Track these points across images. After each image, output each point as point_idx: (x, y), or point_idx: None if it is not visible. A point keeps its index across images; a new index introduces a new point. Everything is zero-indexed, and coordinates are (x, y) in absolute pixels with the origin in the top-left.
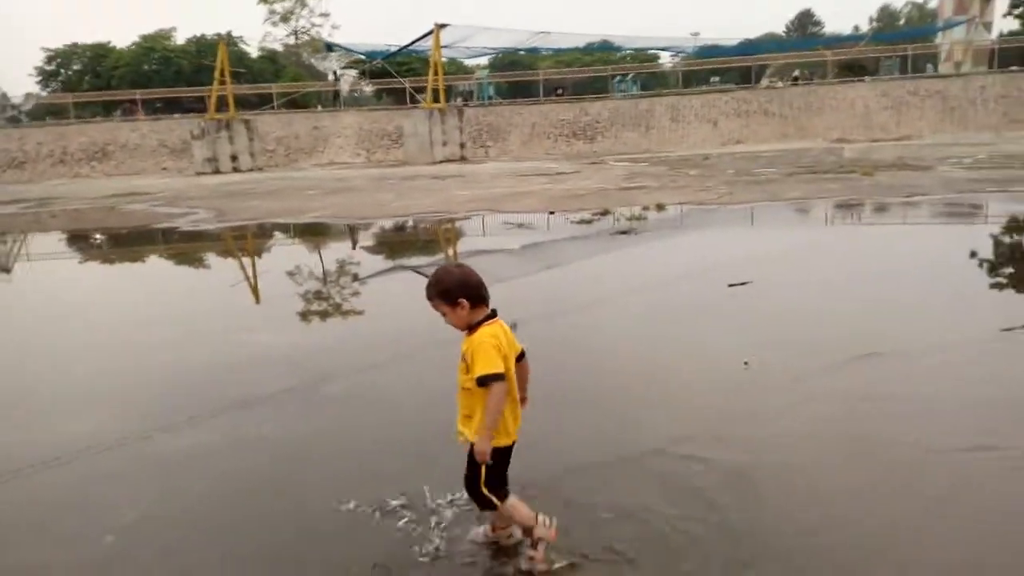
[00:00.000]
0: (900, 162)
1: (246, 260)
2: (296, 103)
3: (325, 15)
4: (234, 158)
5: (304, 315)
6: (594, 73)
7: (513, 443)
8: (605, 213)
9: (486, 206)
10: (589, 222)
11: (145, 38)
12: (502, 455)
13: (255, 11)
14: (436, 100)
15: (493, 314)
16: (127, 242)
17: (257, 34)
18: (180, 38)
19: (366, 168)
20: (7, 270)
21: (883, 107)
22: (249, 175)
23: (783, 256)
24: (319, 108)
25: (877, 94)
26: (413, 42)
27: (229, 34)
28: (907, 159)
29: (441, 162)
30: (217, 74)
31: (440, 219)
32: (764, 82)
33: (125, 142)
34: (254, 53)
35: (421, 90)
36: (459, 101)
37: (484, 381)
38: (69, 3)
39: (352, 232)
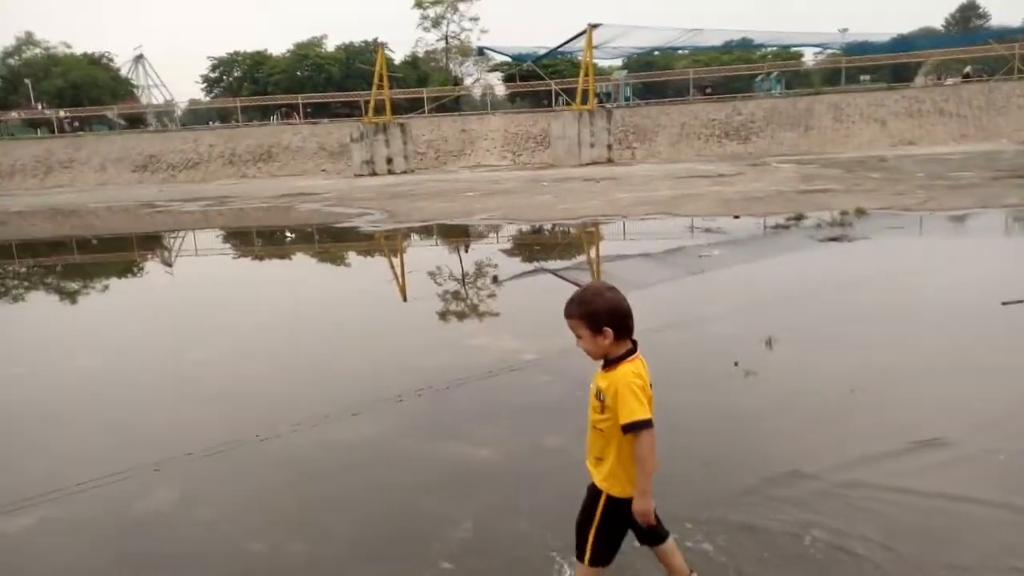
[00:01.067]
0: None
1: (460, 257)
2: (445, 107)
3: (475, 19)
4: (389, 160)
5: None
6: (738, 71)
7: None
8: (799, 217)
9: (658, 209)
10: (786, 227)
11: (299, 46)
12: (627, 507)
13: (400, 18)
14: (584, 101)
15: (634, 348)
16: (330, 239)
17: (401, 39)
18: (330, 45)
19: (513, 170)
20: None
21: None
22: (404, 177)
23: None
24: (459, 112)
25: None
26: (565, 43)
27: (375, 41)
28: None
29: (588, 164)
30: (376, 79)
31: (617, 222)
32: (919, 80)
33: (288, 144)
34: (398, 59)
35: (570, 92)
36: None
37: (632, 428)
38: (233, 15)
39: (550, 233)
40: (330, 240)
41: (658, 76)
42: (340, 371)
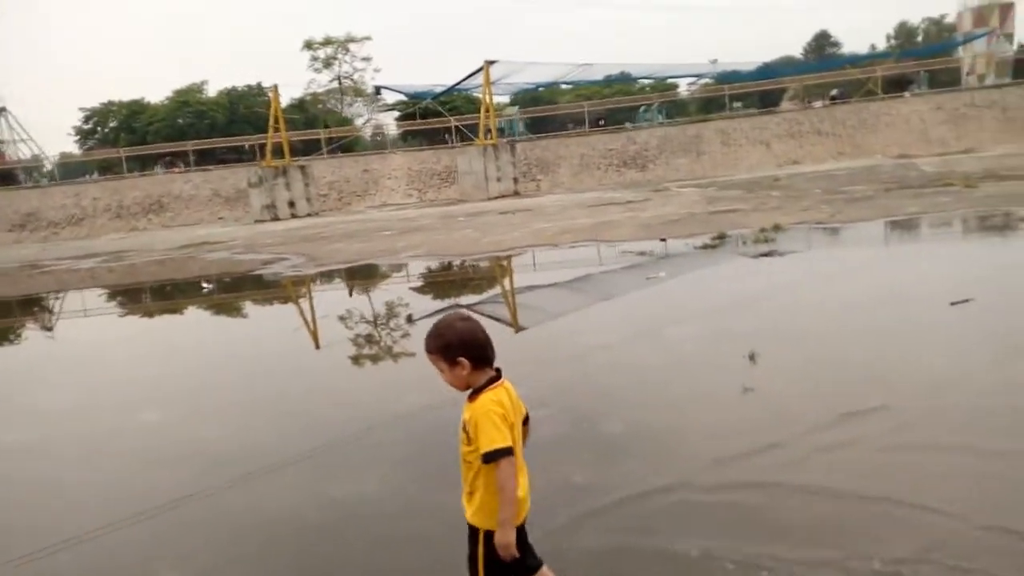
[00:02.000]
0: (991, 173)
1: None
2: (344, 148)
3: (367, 59)
4: (291, 204)
5: None
6: (621, 103)
7: (524, 519)
8: (722, 236)
9: (583, 236)
10: (713, 246)
11: (178, 92)
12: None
13: (283, 60)
14: (487, 136)
15: (498, 375)
16: (248, 288)
17: (286, 81)
18: (212, 90)
19: (422, 207)
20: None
21: (940, 121)
22: (309, 220)
23: (991, 274)
24: (359, 152)
25: (932, 108)
26: (463, 80)
27: (259, 84)
28: (997, 170)
29: (497, 197)
30: (272, 121)
31: (548, 250)
32: (785, 105)
33: (179, 194)
34: (284, 102)
35: (469, 128)
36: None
37: (491, 457)
38: (104, 63)
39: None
40: (250, 288)
41: (553, 110)
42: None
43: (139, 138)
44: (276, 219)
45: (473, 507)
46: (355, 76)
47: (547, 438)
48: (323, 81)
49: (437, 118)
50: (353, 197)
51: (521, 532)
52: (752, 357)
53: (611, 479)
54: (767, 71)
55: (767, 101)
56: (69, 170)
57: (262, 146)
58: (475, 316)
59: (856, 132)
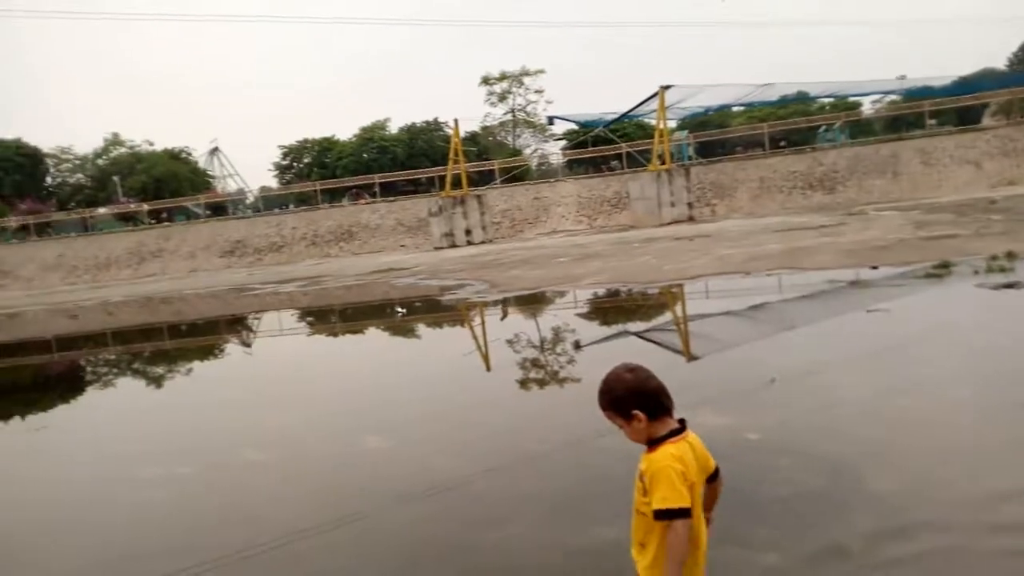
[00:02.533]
0: None
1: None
2: (515, 177)
3: (540, 92)
4: (468, 232)
5: None
6: (799, 124)
7: None
8: (946, 265)
9: (777, 263)
10: (938, 275)
11: (364, 129)
12: None
13: (456, 96)
14: (661, 161)
15: (681, 427)
16: (438, 311)
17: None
18: (393, 127)
19: (592, 234)
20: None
21: None
22: (484, 247)
23: None
24: (531, 181)
25: None
26: (637, 106)
27: (435, 120)
28: None
29: (670, 223)
30: (451, 154)
31: (742, 278)
32: (986, 121)
33: (367, 223)
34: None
35: (639, 153)
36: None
37: (664, 515)
38: (302, 106)
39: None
40: (442, 312)
41: (730, 132)
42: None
43: (329, 172)
44: (454, 246)
45: (646, 561)
46: (527, 108)
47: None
48: (497, 114)
49: (607, 145)
50: (524, 224)
51: None
52: None
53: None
54: (965, 86)
55: (966, 118)
56: (269, 202)
57: (440, 177)
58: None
59: None
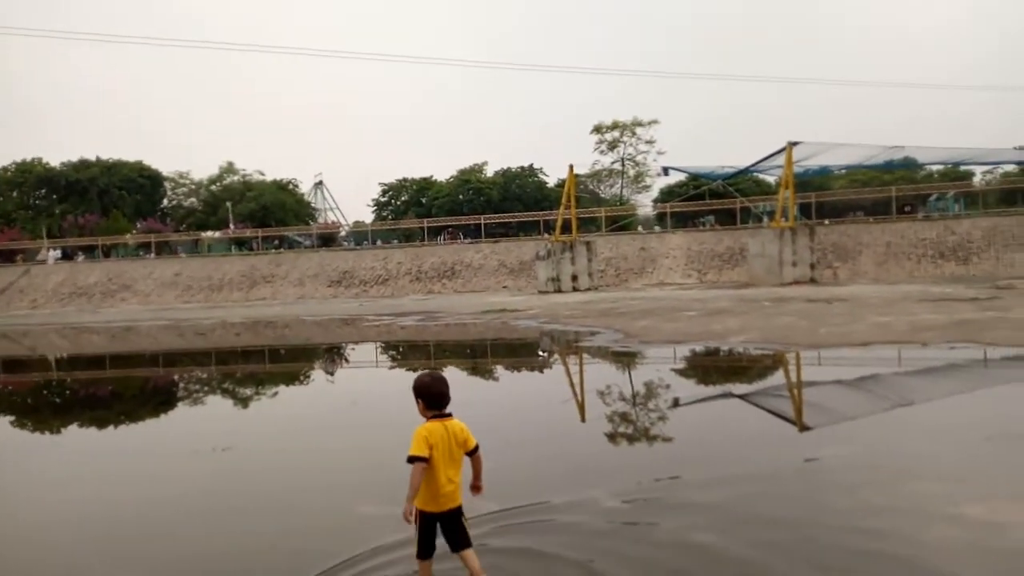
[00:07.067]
0: None
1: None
2: (621, 226)
3: (651, 142)
4: (575, 278)
5: None
6: (904, 191)
7: (435, 513)
8: None
9: (951, 336)
10: None
11: (462, 172)
12: (426, 521)
13: (554, 145)
14: (785, 219)
15: (444, 415)
16: (594, 358)
17: (553, 163)
18: (490, 171)
19: (707, 289)
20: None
21: None
22: (591, 294)
23: None
24: (640, 230)
25: None
26: (762, 160)
27: (531, 166)
28: None
29: (791, 284)
30: (564, 199)
31: (921, 349)
32: None
33: (470, 262)
34: (551, 183)
35: (746, 210)
36: (764, 222)
37: (409, 460)
38: (404, 147)
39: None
40: (599, 360)
41: (856, 193)
42: None
43: (425, 210)
44: (559, 291)
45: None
46: (638, 158)
47: None
48: (606, 162)
49: (720, 199)
50: (629, 274)
51: (431, 522)
52: None
53: None
54: None
55: None
56: (366, 236)
57: (531, 223)
58: None
59: None
